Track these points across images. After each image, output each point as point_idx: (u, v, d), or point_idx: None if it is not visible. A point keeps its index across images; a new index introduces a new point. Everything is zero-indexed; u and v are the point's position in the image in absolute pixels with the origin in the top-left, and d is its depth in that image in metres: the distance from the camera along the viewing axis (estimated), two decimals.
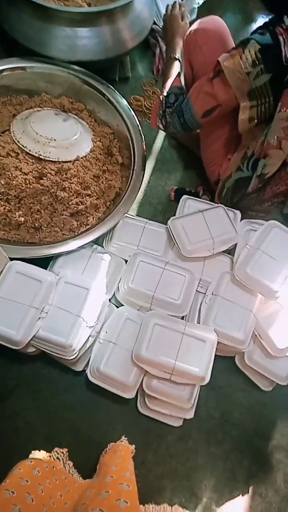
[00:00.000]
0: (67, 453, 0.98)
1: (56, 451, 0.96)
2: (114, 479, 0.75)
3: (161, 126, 1.18)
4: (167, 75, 1.19)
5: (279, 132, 0.99)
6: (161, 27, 1.64)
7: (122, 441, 0.99)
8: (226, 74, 0.96)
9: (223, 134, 1.20)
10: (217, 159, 1.25)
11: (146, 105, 1.52)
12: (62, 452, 0.96)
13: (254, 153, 1.07)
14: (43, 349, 0.99)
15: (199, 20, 1.19)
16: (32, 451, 0.93)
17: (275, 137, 0.99)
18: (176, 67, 1.20)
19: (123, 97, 1.33)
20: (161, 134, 1.52)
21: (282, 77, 0.93)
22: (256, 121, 1.02)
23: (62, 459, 0.95)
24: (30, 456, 0.92)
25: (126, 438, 0.99)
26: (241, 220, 1.23)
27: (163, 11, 1.61)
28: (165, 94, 1.14)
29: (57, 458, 0.95)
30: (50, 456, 0.94)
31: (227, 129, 1.19)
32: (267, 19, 1.01)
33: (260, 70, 0.93)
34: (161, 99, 1.14)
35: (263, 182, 1.10)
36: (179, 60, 1.20)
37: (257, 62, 0.92)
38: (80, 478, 0.94)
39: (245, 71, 0.94)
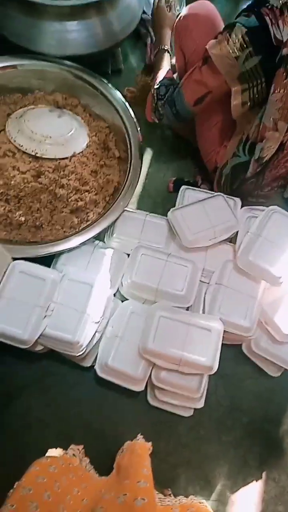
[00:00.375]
0: (83, 450, 0.99)
1: (72, 448, 0.97)
2: (132, 479, 0.75)
3: (155, 119, 1.17)
4: (158, 67, 1.18)
5: (274, 114, 0.98)
6: (151, 16, 1.63)
7: (138, 440, 1.00)
8: (214, 60, 0.95)
9: (218, 121, 1.19)
10: (214, 147, 1.24)
11: (141, 96, 1.51)
12: (78, 449, 0.97)
13: (249, 137, 1.06)
14: (50, 347, 1.00)
15: (189, 6, 1.17)
16: (49, 450, 0.94)
17: (271, 119, 0.98)
18: (166, 59, 1.19)
19: (117, 90, 1.32)
20: (157, 125, 1.50)
21: (273, 57, 0.92)
22: (249, 104, 1.01)
23: (78, 455, 0.96)
24: (46, 454, 0.93)
25: (142, 436, 0.99)
26: (241, 208, 1.22)
27: (152, 0, 1.59)
28: (156, 86, 1.13)
29: (73, 455, 0.95)
30: (66, 453, 0.95)
31: (221, 116, 1.18)
32: (250, 1, 0.99)
33: (249, 53, 0.92)
34: (152, 92, 1.14)
35: (261, 166, 1.09)
36: (169, 52, 1.19)
37: (245, 45, 0.92)
38: (97, 474, 0.95)
39: (233, 55, 0.93)
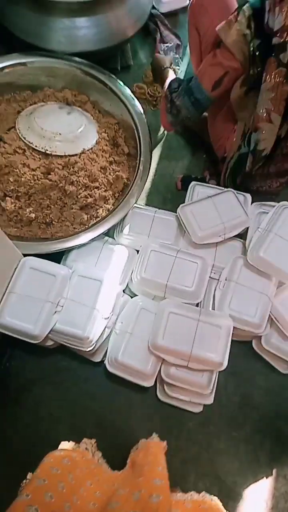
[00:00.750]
0: (95, 444, 0.99)
1: (85, 442, 0.98)
2: (147, 477, 0.76)
3: (171, 119, 1.17)
4: (164, 82, 1.20)
5: (267, 104, 0.97)
6: (160, 11, 1.62)
7: (153, 438, 1.00)
8: (225, 40, 0.95)
9: (230, 106, 1.18)
10: (224, 132, 1.22)
11: (150, 92, 1.51)
12: (91, 443, 0.98)
13: (249, 129, 1.06)
14: (61, 342, 1.01)
15: None
16: (61, 443, 0.95)
17: (264, 108, 0.98)
18: (171, 73, 1.23)
19: (126, 86, 1.32)
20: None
21: (268, 44, 0.91)
22: (246, 87, 1.01)
23: (91, 449, 0.97)
24: (59, 447, 0.94)
25: (157, 435, 1.00)
26: (251, 203, 1.21)
27: None
28: (166, 84, 1.15)
29: (86, 448, 0.96)
30: (78, 447, 0.96)
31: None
32: None
33: (253, 34, 0.92)
34: (165, 92, 1.14)
35: (261, 161, 1.07)
36: (170, 68, 1.25)
37: (249, 25, 0.92)
38: (109, 468, 0.96)
39: (242, 33, 0.93)
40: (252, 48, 0.94)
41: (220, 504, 0.85)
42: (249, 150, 1.07)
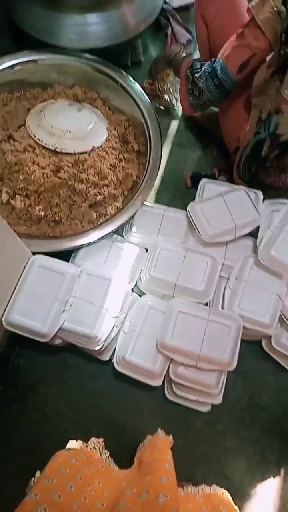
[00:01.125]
0: (103, 443, 1.00)
1: (93, 441, 0.98)
2: (154, 475, 0.76)
3: (193, 101, 1.14)
4: (178, 68, 1.18)
5: None
6: (172, 6, 1.60)
7: (158, 433, 1.00)
8: (256, 16, 0.92)
9: (242, 95, 1.15)
10: (237, 122, 1.19)
11: (160, 88, 1.49)
12: (99, 442, 0.98)
13: (270, 112, 1.03)
14: (69, 341, 1.01)
15: None
16: (69, 441, 0.96)
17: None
18: (185, 59, 1.20)
19: (137, 82, 1.31)
20: (177, 118, 1.49)
21: None
22: (274, 68, 0.97)
23: (99, 448, 0.97)
24: (67, 446, 0.95)
25: (163, 430, 1.00)
26: (263, 201, 1.20)
27: None
28: (188, 66, 1.11)
29: (94, 447, 0.97)
30: (86, 446, 0.96)
31: (246, 89, 1.13)
32: None
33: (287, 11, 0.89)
34: (186, 72, 1.11)
35: (279, 147, 1.05)
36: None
37: (285, 2, 0.89)
38: (117, 467, 0.97)
39: (276, 10, 0.90)
40: (285, 27, 0.90)
41: (230, 498, 0.85)
42: (267, 134, 1.05)
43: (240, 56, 1.00)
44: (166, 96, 1.47)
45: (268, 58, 0.99)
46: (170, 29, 1.60)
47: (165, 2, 1.56)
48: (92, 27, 1.27)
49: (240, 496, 1.03)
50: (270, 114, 1.03)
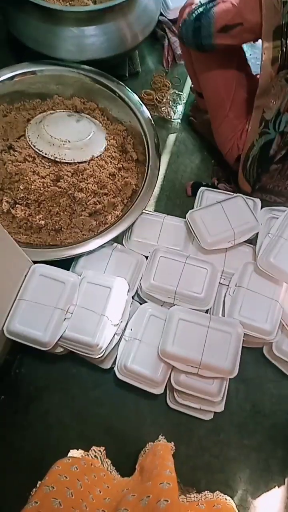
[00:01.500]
0: (104, 451, 0.99)
1: (94, 450, 0.98)
2: (154, 481, 0.76)
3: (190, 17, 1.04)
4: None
5: None
6: (168, 18, 1.62)
7: (160, 440, 1.00)
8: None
9: (233, 105, 1.16)
10: (233, 133, 1.20)
11: (158, 99, 1.51)
12: (100, 451, 0.98)
13: (280, 111, 1.02)
14: (70, 349, 1.01)
15: None
16: (70, 450, 0.95)
17: None
18: None
19: (134, 93, 1.32)
20: (175, 127, 1.50)
21: None
22: (279, 63, 0.94)
23: (100, 457, 0.97)
24: (68, 455, 0.94)
25: (164, 437, 0.99)
26: (261, 209, 1.21)
27: (169, 2, 1.59)
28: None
29: (95, 456, 0.96)
30: (87, 454, 0.95)
31: (236, 98, 1.14)
32: None
33: None
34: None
35: (286, 147, 1.05)
36: None
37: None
38: (119, 475, 0.96)
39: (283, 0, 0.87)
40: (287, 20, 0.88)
41: (234, 504, 0.84)
42: (277, 133, 1.05)
43: (229, 17, 0.95)
44: (164, 107, 1.49)
45: (268, 51, 0.94)
46: (166, 40, 1.62)
47: (161, 14, 1.58)
48: (90, 39, 1.29)
49: (244, 505, 1.02)
50: (279, 113, 1.02)
